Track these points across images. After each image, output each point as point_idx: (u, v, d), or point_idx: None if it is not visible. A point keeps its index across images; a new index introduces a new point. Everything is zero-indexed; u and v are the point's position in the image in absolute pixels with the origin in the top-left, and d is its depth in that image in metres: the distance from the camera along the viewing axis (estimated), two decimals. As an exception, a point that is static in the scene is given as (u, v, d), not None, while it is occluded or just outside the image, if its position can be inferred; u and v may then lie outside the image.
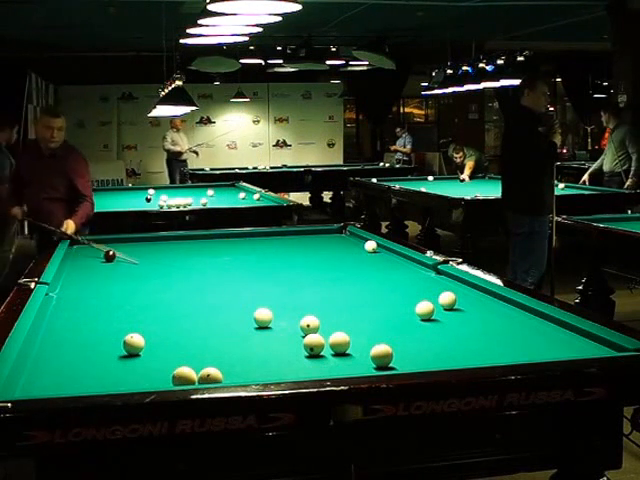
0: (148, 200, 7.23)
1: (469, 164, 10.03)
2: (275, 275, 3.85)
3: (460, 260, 3.70)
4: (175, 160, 12.88)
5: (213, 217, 6.28)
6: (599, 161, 9.05)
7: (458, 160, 10.43)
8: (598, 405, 2.15)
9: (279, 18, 4.09)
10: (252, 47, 11.44)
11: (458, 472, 2.22)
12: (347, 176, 10.58)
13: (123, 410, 1.89)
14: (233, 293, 3.47)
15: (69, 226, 4.67)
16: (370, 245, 4.33)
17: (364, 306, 3.16)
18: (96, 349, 2.56)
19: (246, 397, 1.94)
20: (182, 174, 12.48)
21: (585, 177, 8.99)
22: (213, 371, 2.09)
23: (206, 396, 1.94)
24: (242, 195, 7.41)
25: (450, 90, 11.63)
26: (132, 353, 2.43)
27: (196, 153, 12.95)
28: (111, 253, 4.16)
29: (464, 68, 10.83)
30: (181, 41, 7.52)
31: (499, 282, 3.25)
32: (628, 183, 8.32)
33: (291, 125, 14.99)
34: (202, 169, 11.94)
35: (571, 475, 2.31)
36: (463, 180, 9.13)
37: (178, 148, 12.88)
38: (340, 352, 2.40)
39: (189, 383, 2.06)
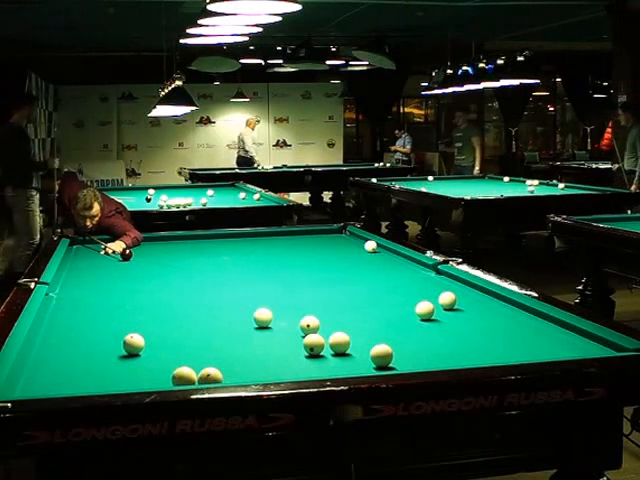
0: (148, 200, 7.23)
1: (479, 147, 10.98)
2: (275, 275, 3.85)
3: (460, 260, 3.70)
4: (245, 164, 12.18)
5: (213, 217, 6.27)
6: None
7: (456, 119, 11.61)
8: (598, 405, 2.15)
9: (279, 18, 4.09)
10: (252, 47, 11.44)
11: (458, 472, 2.22)
12: (347, 176, 10.57)
13: (123, 410, 1.88)
14: (233, 293, 3.47)
15: (117, 246, 4.44)
16: (370, 245, 4.33)
17: (364, 306, 3.16)
18: (96, 349, 2.56)
19: (246, 397, 1.94)
20: None
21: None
22: (213, 371, 2.09)
23: (206, 396, 1.94)
24: (242, 195, 7.40)
25: (450, 90, 11.61)
26: (132, 353, 2.43)
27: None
28: (127, 252, 4.25)
29: (464, 68, 10.81)
30: (181, 41, 7.51)
31: (499, 282, 3.25)
32: (633, 187, 8.22)
33: (291, 125, 14.98)
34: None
35: (571, 475, 2.31)
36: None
37: (254, 152, 12.63)
38: (340, 352, 2.40)
39: (189, 383, 2.06)
